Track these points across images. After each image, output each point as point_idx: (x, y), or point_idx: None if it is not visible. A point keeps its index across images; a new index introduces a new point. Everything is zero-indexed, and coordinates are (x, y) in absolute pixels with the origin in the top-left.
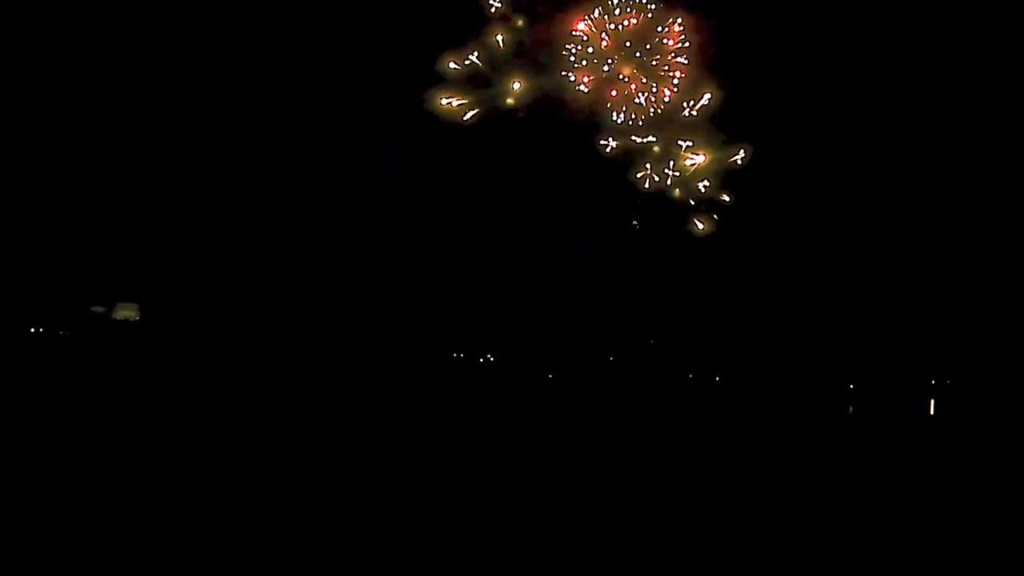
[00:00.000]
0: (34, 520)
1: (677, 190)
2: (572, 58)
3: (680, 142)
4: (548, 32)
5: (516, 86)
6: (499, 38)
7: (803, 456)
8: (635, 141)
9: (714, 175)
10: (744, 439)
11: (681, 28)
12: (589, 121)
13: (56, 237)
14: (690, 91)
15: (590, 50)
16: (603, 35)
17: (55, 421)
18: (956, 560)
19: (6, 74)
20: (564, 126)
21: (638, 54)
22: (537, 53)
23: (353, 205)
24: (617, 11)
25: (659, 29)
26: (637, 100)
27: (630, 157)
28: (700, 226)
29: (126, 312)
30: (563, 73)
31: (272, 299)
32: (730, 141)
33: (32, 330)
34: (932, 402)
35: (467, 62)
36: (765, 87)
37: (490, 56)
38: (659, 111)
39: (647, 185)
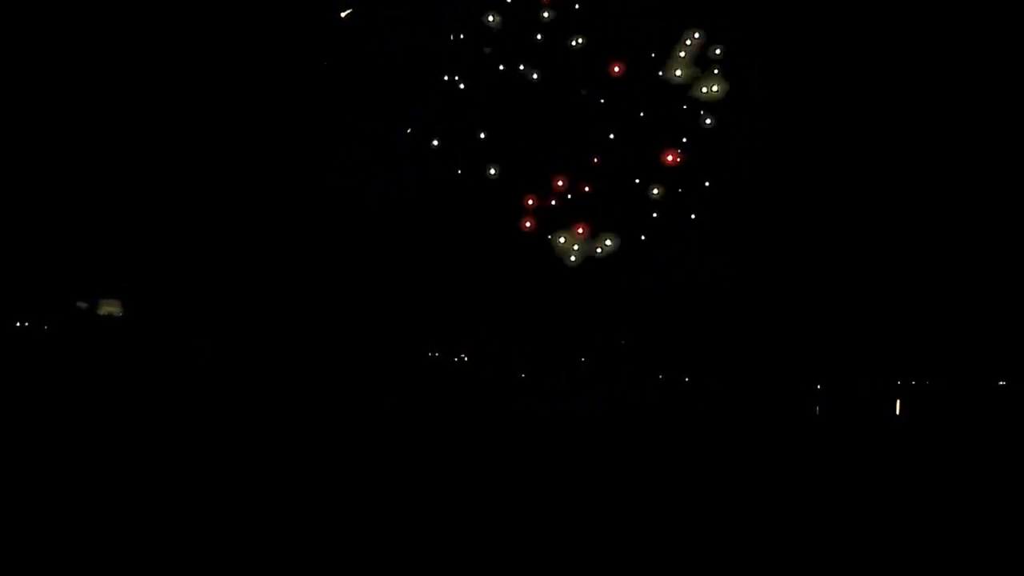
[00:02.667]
0: (15, 523)
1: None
2: None
3: None
4: None
5: None
6: None
7: (772, 456)
8: None
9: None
10: (715, 440)
11: None
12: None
13: (41, 232)
14: None
15: None
16: None
17: (44, 417)
18: (924, 564)
19: None
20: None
21: None
22: None
23: (329, 198)
24: None
25: None
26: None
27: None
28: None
29: (109, 308)
30: None
31: (246, 301)
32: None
33: (18, 324)
34: (898, 403)
35: None
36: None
37: None
38: None
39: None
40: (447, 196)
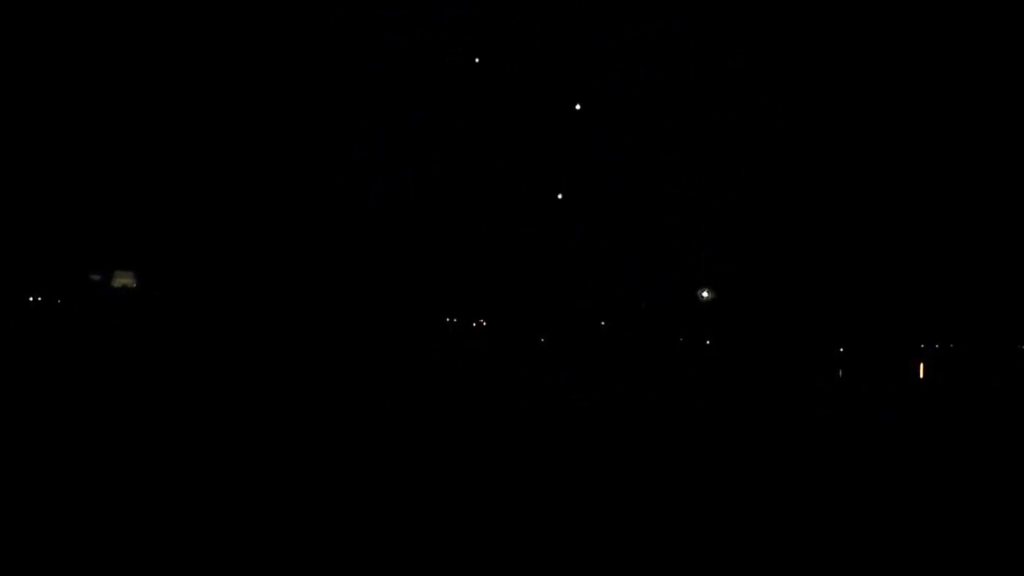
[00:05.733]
0: (21, 505)
1: None
2: None
3: None
4: None
5: None
6: None
7: (793, 421)
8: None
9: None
10: (736, 404)
11: None
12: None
13: (53, 204)
14: None
15: None
16: None
17: (58, 393)
18: (949, 542)
19: (5, 44)
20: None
21: None
22: None
23: (346, 167)
24: None
25: None
26: None
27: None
28: None
29: (123, 280)
30: None
31: (265, 270)
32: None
33: (31, 299)
34: (921, 366)
35: None
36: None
37: None
38: None
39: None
40: (445, 195)
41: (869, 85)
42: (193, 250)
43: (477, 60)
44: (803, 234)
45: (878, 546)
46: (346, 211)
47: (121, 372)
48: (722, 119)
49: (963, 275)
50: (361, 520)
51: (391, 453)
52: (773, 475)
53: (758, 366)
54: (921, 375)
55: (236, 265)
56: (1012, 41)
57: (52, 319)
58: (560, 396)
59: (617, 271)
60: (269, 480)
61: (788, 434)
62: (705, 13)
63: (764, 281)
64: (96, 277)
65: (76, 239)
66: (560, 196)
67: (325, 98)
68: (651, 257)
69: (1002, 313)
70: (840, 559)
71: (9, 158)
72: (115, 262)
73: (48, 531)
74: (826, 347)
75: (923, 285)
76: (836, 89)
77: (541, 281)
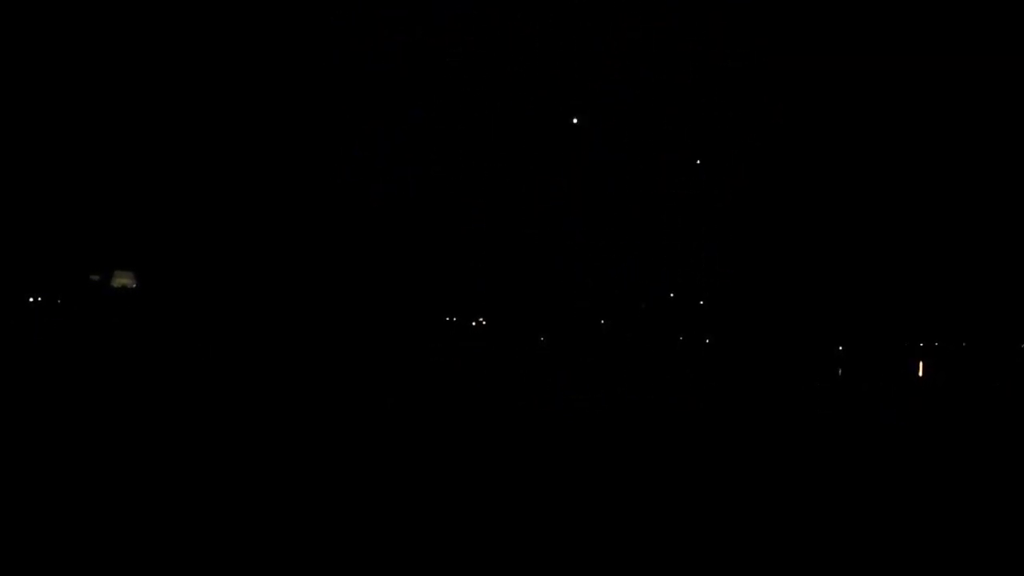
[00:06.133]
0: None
1: None
2: None
3: None
4: None
5: None
6: None
7: (791, 420)
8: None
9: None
10: (734, 402)
11: None
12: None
13: (53, 205)
14: None
15: None
16: None
17: (57, 394)
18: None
19: (6, 44)
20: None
21: None
22: None
23: (343, 169)
24: None
25: None
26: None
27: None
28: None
29: (123, 280)
30: None
31: (265, 270)
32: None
33: (31, 299)
34: (920, 364)
35: None
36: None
37: None
38: None
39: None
40: (445, 195)
41: (869, 85)
42: (192, 250)
43: (477, 60)
44: (803, 234)
45: (878, 545)
46: (346, 211)
47: (121, 372)
48: (722, 119)
49: (964, 275)
50: (361, 519)
51: (391, 452)
52: (773, 474)
53: (758, 366)
54: (921, 375)
55: (236, 265)
56: (1012, 41)
57: (52, 319)
58: (560, 396)
59: (617, 271)
60: (269, 479)
61: (788, 434)
62: (705, 13)
63: (764, 281)
64: (96, 277)
65: (76, 239)
66: (560, 197)
67: (325, 98)
68: (651, 257)
69: (1002, 313)
70: (840, 558)
71: (9, 158)
72: (115, 262)
73: (48, 530)
74: (826, 347)
75: (923, 285)
76: (836, 89)
77: (541, 281)
